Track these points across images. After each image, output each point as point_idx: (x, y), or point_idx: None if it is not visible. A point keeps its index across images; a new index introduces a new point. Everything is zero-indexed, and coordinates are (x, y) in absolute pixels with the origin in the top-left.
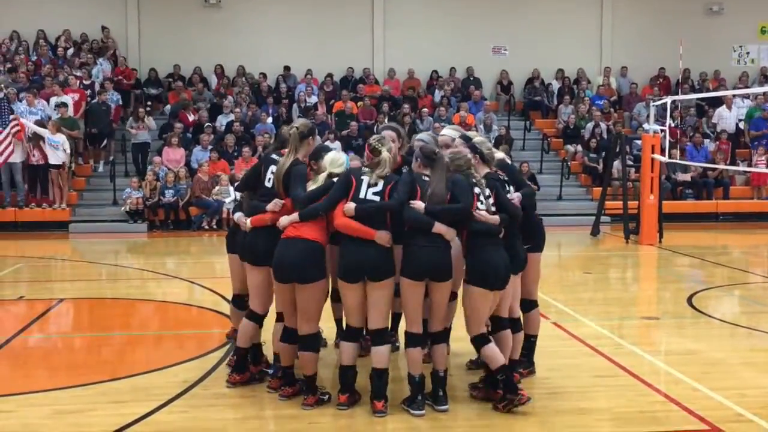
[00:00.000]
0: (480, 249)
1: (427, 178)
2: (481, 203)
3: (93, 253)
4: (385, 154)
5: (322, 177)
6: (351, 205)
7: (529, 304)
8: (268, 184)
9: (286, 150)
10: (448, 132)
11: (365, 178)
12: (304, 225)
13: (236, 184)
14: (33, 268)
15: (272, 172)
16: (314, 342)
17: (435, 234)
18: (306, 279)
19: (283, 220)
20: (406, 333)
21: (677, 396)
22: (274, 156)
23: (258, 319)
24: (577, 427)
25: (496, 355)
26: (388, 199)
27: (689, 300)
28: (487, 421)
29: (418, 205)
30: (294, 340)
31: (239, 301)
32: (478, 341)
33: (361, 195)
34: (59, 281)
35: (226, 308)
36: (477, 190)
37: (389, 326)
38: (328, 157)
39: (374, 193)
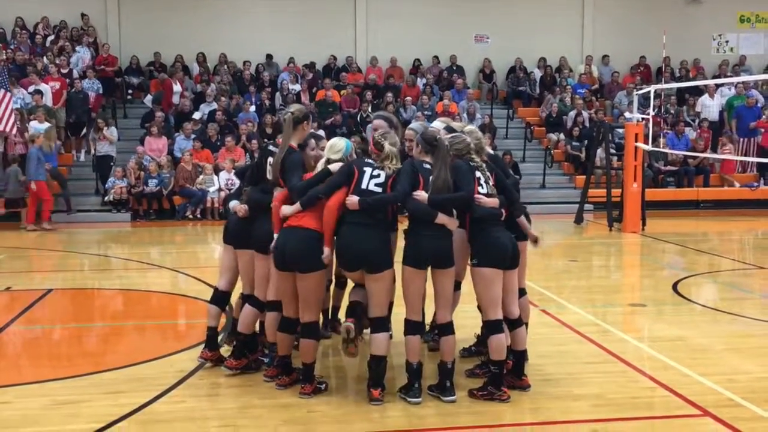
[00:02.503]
0: (486, 231)
1: (428, 166)
2: (482, 187)
3: (77, 243)
4: (387, 147)
5: (321, 163)
6: (354, 199)
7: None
8: (269, 176)
9: (281, 138)
10: (436, 125)
11: (368, 170)
12: (305, 214)
13: (235, 171)
14: (18, 259)
15: (270, 164)
16: (315, 330)
17: (437, 223)
18: (306, 268)
19: (286, 210)
20: (406, 320)
21: (668, 382)
22: (271, 147)
23: (261, 307)
24: (571, 413)
25: (501, 347)
26: (391, 190)
27: (674, 286)
28: (481, 408)
29: (422, 195)
30: (292, 330)
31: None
32: (492, 327)
33: (363, 186)
34: (45, 271)
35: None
36: (478, 174)
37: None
38: (328, 143)
39: (376, 185)
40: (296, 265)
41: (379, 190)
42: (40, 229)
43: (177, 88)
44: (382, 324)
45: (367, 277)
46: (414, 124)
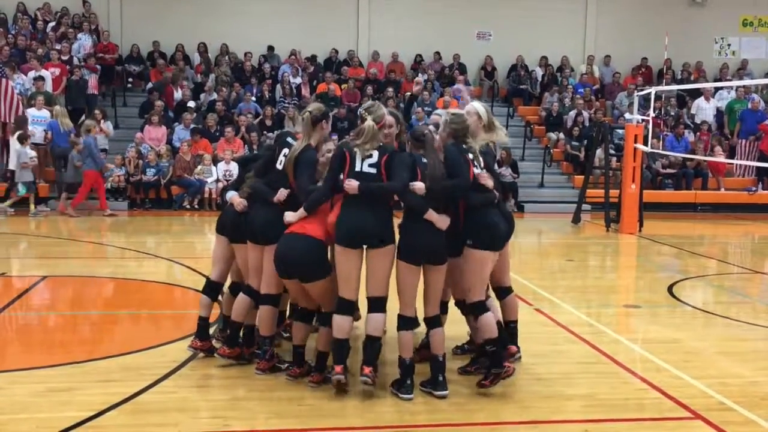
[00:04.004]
0: (482, 213)
1: (424, 159)
2: (476, 168)
3: (73, 230)
4: (368, 122)
5: None
6: (354, 183)
7: (504, 291)
8: (279, 167)
9: (300, 134)
10: (476, 105)
11: (358, 151)
12: (309, 220)
13: (236, 160)
14: (13, 245)
15: (284, 155)
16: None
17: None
18: (310, 278)
19: (289, 217)
20: (399, 316)
21: (660, 384)
22: (289, 139)
23: (255, 296)
24: (562, 413)
25: (491, 325)
26: (384, 170)
27: (669, 289)
28: (473, 405)
29: (418, 185)
30: (308, 320)
31: (235, 287)
32: (479, 308)
33: (357, 168)
34: (40, 258)
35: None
36: (470, 156)
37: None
38: None
39: (370, 165)
40: (299, 274)
41: (374, 171)
42: (83, 214)
43: (178, 94)
44: (381, 304)
45: (368, 253)
46: (440, 110)
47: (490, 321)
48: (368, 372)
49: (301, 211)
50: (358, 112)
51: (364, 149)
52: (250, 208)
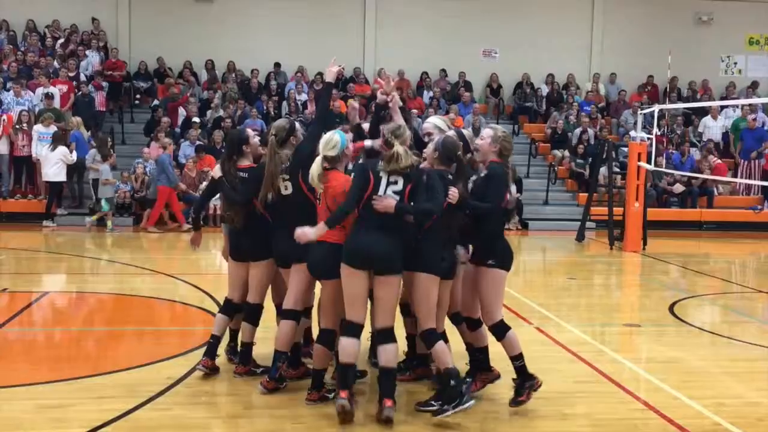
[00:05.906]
0: (502, 236)
1: (449, 176)
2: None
3: (77, 246)
4: (397, 147)
5: (317, 162)
6: (391, 202)
7: (474, 323)
8: (285, 192)
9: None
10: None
11: (384, 175)
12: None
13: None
14: (16, 260)
15: (283, 178)
16: (331, 338)
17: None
18: (325, 276)
19: (311, 235)
20: (426, 330)
21: (657, 404)
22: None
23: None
24: None
25: (515, 342)
26: (408, 198)
27: (671, 308)
28: (471, 425)
29: (455, 192)
30: (330, 344)
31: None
32: (499, 328)
33: (380, 193)
34: (43, 274)
35: (211, 305)
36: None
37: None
38: (322, 140)
39: (394, 192)
40: (317, 274)
41: (397, 198)
42: (163, 230)
43: (181, 111)
44: (390, 334)
45: (375, 280)
46: (435, 119)
47: (515, 339)
48: (390, 405)
49: (322, 226)
50: (385, 137)
51: (392, 174)
52: (271, 233)
